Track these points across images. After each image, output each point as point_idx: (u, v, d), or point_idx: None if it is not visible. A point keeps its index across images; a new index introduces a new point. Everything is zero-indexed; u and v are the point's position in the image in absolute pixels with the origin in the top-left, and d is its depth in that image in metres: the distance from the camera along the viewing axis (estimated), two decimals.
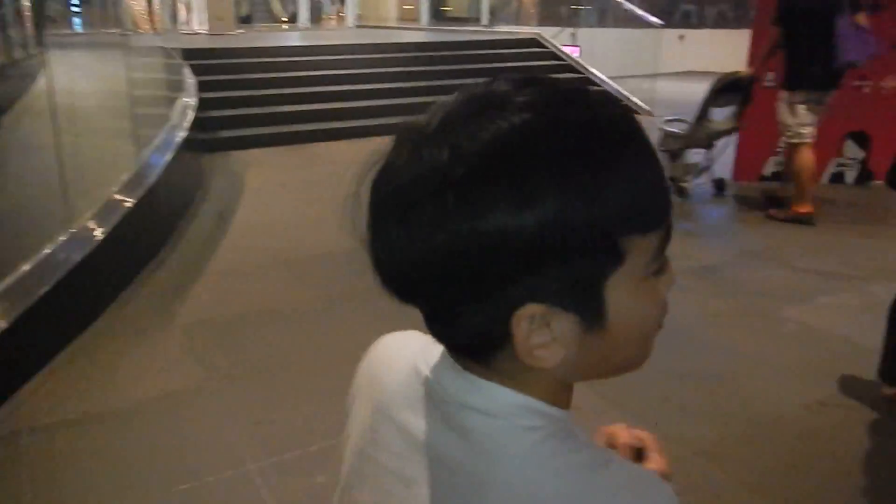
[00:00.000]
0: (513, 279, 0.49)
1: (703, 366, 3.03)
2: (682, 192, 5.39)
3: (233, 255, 4.38)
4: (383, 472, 0.62)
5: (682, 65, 14.51)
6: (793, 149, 4.91)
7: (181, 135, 5.43)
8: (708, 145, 5.51)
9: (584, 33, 14.59)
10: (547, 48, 11.14)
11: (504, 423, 0.54)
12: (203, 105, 7.77)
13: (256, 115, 7.95)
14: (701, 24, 16.34)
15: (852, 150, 5.85)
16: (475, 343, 0.54)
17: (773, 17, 4.92)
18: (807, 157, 4.84)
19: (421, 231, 0.50)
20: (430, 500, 0.56)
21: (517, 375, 0.55)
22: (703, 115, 5.43)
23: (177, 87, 6.66)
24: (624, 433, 0.79)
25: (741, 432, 2.56)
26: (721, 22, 16.07)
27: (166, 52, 7.72)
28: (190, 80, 7.22)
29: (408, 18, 19.62)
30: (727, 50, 12.63)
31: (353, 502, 0.66)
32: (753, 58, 5.45)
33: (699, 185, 5.62)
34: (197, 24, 13.80)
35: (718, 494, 2.27)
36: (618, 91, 10.08)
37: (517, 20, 17.52)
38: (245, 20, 19.19)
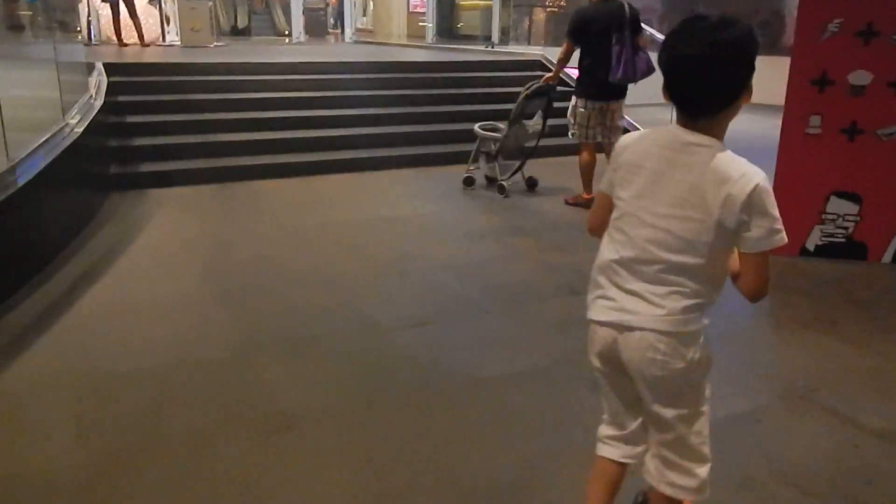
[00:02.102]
0: (742, 84, 1.48)
1: None
2: (502, 190, 5.97)
3: (23, 368, 3.06)
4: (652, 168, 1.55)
5: None
6: (580, 147, 5.62)
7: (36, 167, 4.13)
8: (523, 149, 6.04)
9: None
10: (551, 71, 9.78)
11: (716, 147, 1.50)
12: (127, 131, 6.57)
13: (193, 144, 6.68)
14: None
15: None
16: (717, 108, 1.49)
17: (568, 31, 5.51)
18: (587, 155, 5.58)
19: (725, 67, 1.45)
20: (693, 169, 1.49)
21: (715, 132, 1.50)
22: (516, 120, 5.86)
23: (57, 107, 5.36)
24: None
25: None
26: None
27: (77, 67, 6.50)
28: (94, 99, 5.98)
29: (417, 35, 18.50)
30: (757, 77, 11.28)
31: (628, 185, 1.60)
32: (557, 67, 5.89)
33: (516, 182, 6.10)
34: (173, 35, 12.67)
35: None
36: (630, 123, 8.71)
37: (528, 40, 16.23)
38: (240, 32, 18.15)
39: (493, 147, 6.01)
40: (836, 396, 2.86)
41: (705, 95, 1.48)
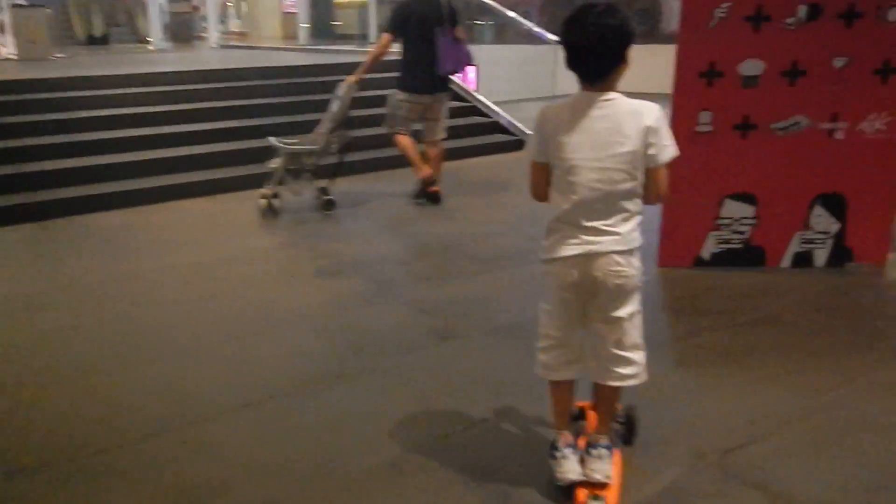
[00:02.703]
0: (624, 51, 1.91)
1: None
2: (331, 206, 5.48)
3: None
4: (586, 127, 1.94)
5: None
6: (393, 138, 5.60)
7: None
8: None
9: (477, 51, 12.83)
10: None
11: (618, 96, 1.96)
12: None
13: (6, 176, 5.63)
14: None
15: (823, 221, 4.08)
16: (608, 73, 1.92)
17: (389, 25, 5.46)
18: (405, 140, 5.58)
19: (609, 43, 1.89)
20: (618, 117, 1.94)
21: (613, 86, 1.95)
22: (340, 125, 5.37)
23: None
24: None
25: None
26: None
27: None
28: None
29: (293, 37, 17.60)
30: (637, 67, 11.12)
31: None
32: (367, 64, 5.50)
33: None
34: (11, 48, 11.20)
35: None
36: (509, 123, 8.27)
37: None
38: (99, 41, 16.61)
39: (305, 162, 5.35)
40: (760, 458, 2.35)
41: (598, 65, 1.91)
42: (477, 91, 9.89)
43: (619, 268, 1.98)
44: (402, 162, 6.74)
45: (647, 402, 2.54)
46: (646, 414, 2.48)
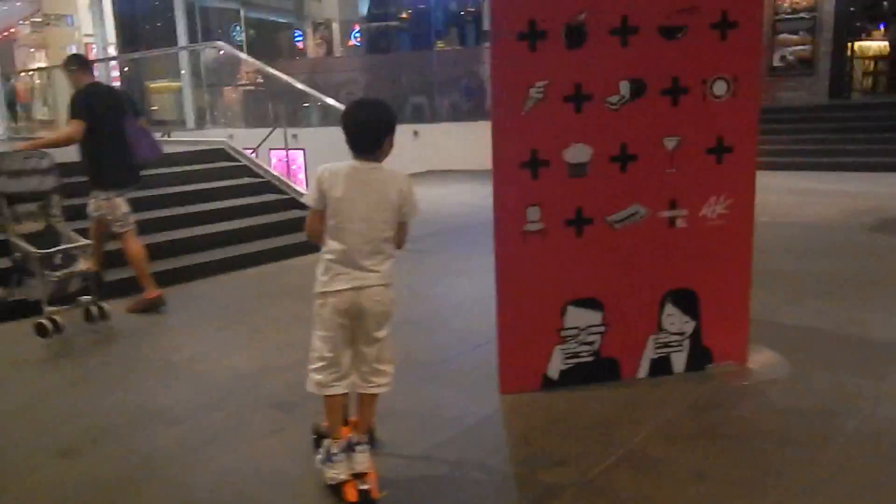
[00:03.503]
0: (387, 134, 2.54)
1: None
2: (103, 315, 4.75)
3: None
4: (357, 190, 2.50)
5: (421, 164, 12.57)
6: (122, 238, 5.08)
7: None
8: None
9: (304, 134, 12.13)
10: (238, 161, 8.24)
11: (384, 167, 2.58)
12: None
13: None
14: (434, 118, 14.65)
15: (676, 321, 3.56)
16: (374, 150, 2.52)
17: (77, 112, 4.85)
18: (136, 244, 5.10)
19: (379, 131, 2.53)
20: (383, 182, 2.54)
21: (380, 159, 2.56)
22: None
23: None
24: None
25: None
26: (456, 115, 14.50)
27: None
28: None
29: None
30: (467, 144, 10.91)
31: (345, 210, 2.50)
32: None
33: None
34: None
35: None
36: None
37: (231, 122, 14.60)
38: None
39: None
40: None
41: (366, 142, 2.51)
42: (306, 176, 9.07)
43: (381, 297, 2.54)
44: (192, 273, 5.76)
45: None
46: None
